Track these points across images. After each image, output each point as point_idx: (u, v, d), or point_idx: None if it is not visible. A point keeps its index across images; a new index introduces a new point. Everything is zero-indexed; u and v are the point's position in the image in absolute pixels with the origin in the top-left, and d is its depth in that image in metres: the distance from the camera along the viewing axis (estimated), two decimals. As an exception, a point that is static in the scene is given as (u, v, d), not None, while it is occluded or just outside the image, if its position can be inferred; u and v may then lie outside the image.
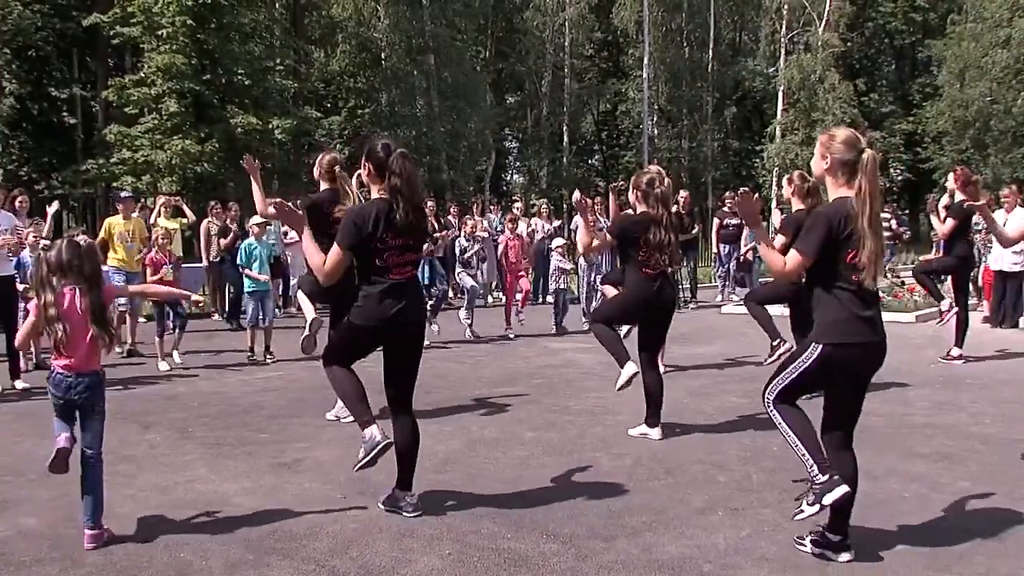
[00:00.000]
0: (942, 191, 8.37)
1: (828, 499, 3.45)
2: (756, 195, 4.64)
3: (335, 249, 4.00)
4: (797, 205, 6.64)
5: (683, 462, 5.09)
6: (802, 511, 3.53)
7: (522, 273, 11.63)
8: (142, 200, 17.02)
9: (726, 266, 15.22)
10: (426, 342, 9.75)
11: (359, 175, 4.50)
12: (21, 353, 8.29)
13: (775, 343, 6.78)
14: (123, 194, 11.18)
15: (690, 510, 4.25)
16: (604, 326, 5.82)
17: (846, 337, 3.50)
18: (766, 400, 3.68)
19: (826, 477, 3.45)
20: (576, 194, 6.07)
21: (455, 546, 3.80)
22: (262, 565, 3.62)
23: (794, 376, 3.60)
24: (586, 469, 4.98)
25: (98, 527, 3.86)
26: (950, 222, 8.19)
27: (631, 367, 5.61)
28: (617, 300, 6.13)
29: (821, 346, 3.53)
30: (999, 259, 10.30)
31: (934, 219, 8.50)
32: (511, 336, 10.72)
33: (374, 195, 4.13)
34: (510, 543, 3.83)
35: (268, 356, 9.08)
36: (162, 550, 3.78)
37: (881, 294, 12.82)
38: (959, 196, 8.26)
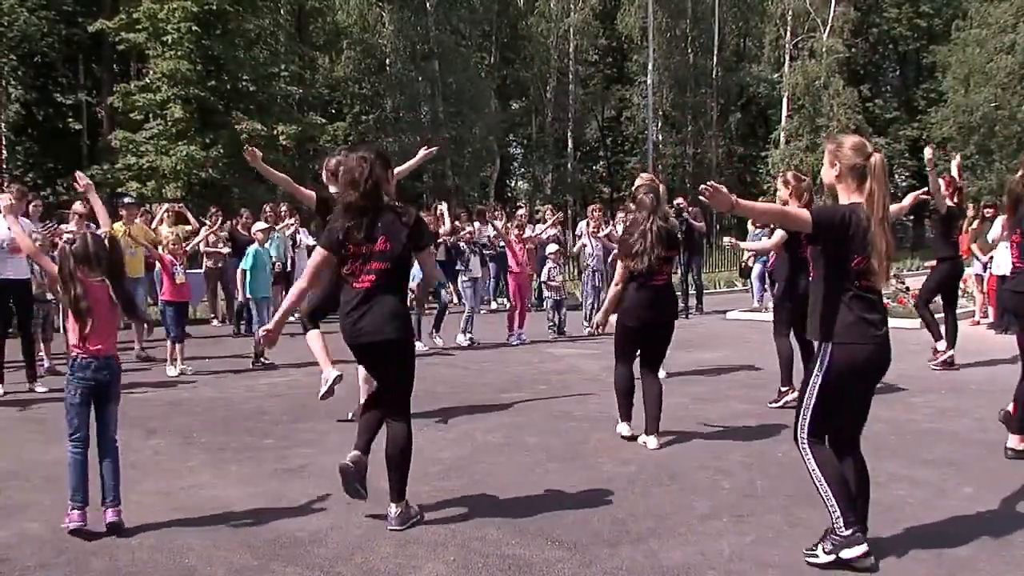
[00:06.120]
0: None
1: (846, 554, 3.47)
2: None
3: (317, 250, 4.18)
4: (794, 205, 6.61)
5: (687, 468, 5.08)
6: (816, 556, 3.55)
7: (524, 283, 11.45)
8: (146, 206, 17.05)
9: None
10: (426, 348, 9.81)
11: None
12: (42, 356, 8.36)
13: (784, 388, 6.73)
14: (126, 199, 11.10)
15: (694, 516, 4.25)
16: (624, 371, 5.76)
17: (854, 338, 3.48)
18: (799, 440, 3.60)
19: (849, 532, 3.45)
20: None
21: (459, 552, 3.79)
22: (266, 571, 3.62)
23: (815, 397, 3.55)
24: (590, 475, 4.97)
25: (119, 503, 4.08)
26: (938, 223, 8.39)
27: (624, 427, 5.74)
28: (619, 325, 5.82)
29: (831, 345, 3.50)
30: (1003, 265, 10.29)
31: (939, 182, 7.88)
32: (515, 342, 10.67)
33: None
34: (514, 549, 3.83)
35: (265, 361, 8.95)
36: (166, 556, 3.78)
37: (885, 300, 12.82)
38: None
